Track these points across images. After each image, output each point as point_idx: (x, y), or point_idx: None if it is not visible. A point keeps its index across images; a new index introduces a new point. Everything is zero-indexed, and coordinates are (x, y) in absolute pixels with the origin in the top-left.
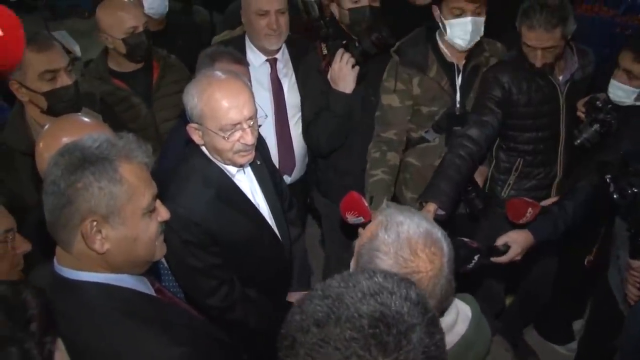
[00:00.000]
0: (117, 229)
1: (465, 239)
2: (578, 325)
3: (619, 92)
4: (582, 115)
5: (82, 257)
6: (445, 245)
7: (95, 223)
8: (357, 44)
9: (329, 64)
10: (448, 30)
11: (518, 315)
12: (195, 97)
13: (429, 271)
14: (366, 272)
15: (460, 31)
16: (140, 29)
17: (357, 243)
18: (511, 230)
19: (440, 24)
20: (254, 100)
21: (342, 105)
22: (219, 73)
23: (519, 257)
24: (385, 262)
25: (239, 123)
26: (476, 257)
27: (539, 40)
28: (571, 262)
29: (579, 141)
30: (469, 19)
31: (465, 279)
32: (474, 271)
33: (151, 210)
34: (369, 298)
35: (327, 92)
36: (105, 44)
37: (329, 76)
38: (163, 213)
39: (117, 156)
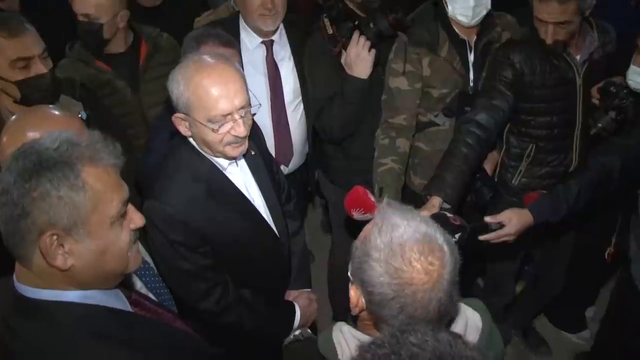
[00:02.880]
0: (82, 242)
1: (449, 215)
2: (590, 312)
3: None
4: (597, 103)
5: (43, 274)
6: (448, 253)
7: (55, 237)
8: (371, 25)
9: (344, 47)
10: (449, 6)
11: (529, 304)
12: (181, 85)
13: (424, 284)
14: (414, 332)
15: (462, 7)
16: (94, 16)
17: (355, 243)
18: (508, 209)
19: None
20: (247, 88)
21: (358, 91)
22: (207, 57)
23: (511, 238)
24: (375, 269)
25: (230, 113)
26: (457, 236)
27: (550, 13)
28: (587, 251)
29: (594, 130)
30: None
31: (475, 272)
32: (485, 261)
33: (122, 217)
34: None
35: (339, 77)
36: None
37: (342, 61)
38: (137, 219)
39: (79, 159)
